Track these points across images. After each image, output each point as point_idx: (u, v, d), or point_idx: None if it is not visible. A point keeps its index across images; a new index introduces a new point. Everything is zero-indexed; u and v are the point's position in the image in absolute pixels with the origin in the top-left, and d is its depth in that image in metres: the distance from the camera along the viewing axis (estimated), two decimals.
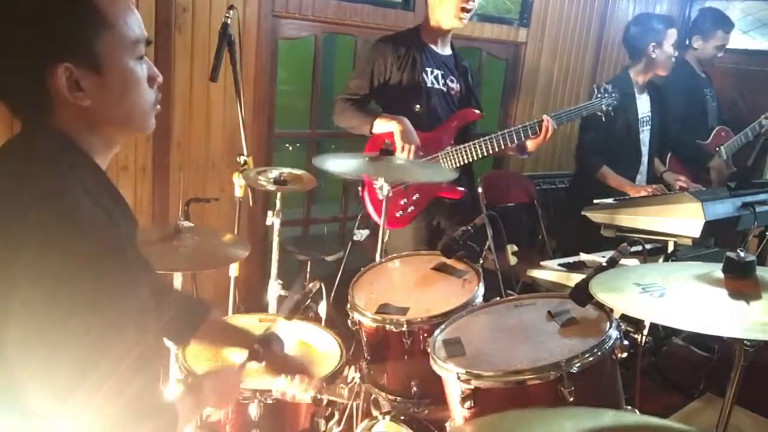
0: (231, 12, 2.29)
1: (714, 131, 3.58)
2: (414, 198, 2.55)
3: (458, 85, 2.64)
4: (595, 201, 2.66)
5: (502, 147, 2.55)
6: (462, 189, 2.60)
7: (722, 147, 3.52)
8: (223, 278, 2.74)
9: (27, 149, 0.97)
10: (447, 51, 2.66)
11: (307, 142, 3.61)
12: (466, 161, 2.55)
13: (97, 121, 0.99)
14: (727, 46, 3.61)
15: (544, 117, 2.53)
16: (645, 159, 3.21)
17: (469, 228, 1.85)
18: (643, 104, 3.17)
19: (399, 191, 2.53)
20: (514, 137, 2.54)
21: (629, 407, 1.44)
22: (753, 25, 4.53)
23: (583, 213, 2.65)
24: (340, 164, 2.02)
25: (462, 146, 2.55)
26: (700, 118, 3.55)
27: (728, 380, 1.33)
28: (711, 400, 2.35)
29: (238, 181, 2.42)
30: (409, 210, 2.55)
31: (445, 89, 2.60)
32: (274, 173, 2.37)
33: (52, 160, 0.94)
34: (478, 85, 2.84)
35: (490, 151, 2.55)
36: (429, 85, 2.55)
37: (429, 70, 2.56)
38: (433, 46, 2.60)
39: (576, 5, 4.23)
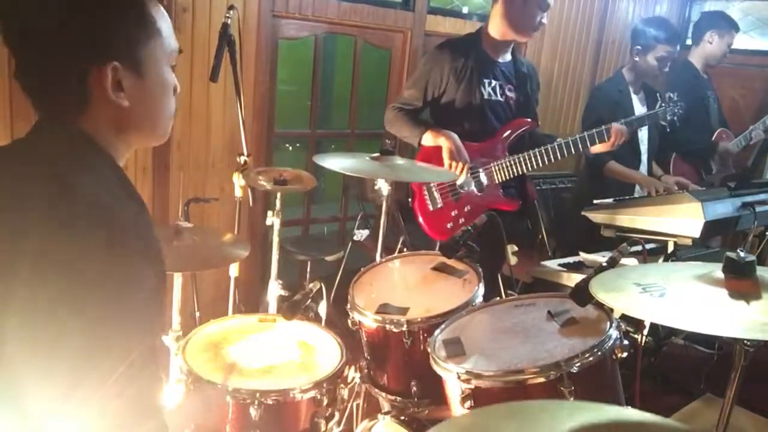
0: (231, 12, 2.29)
1: (716, 133, 3.58)
2: (465, 210, 2.51)
3: (516, 94, 2.56)
4: (595, 201, 2.66)
5: (558, 158, 2.49)
6: (517, 200, 2.57)
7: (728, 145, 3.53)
8: (223, 278, 2.74)
9: (44, 148, 0.96)
10: (507, 58, 2.58)
11: (307, 142, 3.61)
12: (520, 172, 2.50)
13: (129, 124, 1.01)
14: None
15: (613, 125, 2.49)
16: (644, 158, 3.20)
17: (469, 228, 1.84)
18: (639, 103, 3.17)
19: (450, 203, 2.51)
20: (572, 148, 2.50)
21: (629, 407, 1.44)
22: (753, 25, 4.53)
23: (583, 213, 2.65)
24: (340, 163, 2.01)
25: (513, 158, 2.49)
26: (703, 120, 3.54)
27: (728, 380, 1.33)
28: (711, 400, 2.35)
29: (238, 181, 2.42)
30: (460, 221, 2.51)
31: (503, 99, 2.52)
32: (274, 173, 2.37)
33: (74, 159, 0.94)
34: (538, 89, 2.74)
35: (546, 162, 2.48)
36: (486, 97, 2.48)
37: (487, 81, 2.49)
38: (493, 55, 2.53)
39: (576, 5, 4.23)
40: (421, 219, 2.53)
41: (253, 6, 2.91)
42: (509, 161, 2.50)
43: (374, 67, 3.79)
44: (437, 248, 2.00)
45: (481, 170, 2.51)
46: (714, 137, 3.57)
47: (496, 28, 2.49)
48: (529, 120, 2.60)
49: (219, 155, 2.96)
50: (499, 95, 2.52)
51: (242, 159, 2.43)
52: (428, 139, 2.42)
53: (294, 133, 3.92)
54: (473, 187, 2.50)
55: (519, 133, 2.57)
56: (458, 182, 2.46)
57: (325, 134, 3.93)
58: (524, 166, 2.50)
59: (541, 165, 2.50)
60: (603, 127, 2.51)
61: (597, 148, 2.55)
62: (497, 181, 2.52)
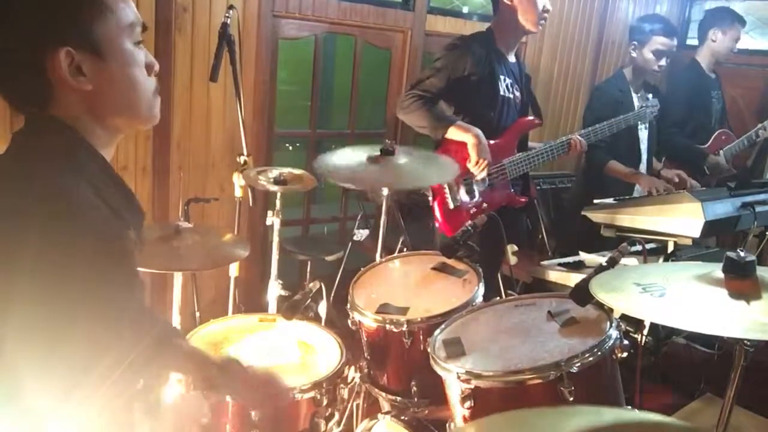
0: (231, 12, 2.29)
1: (715, 134, 3.57)
2: (483, 207, 2.52)
3: (521, 94, 2.61)
4: (595, 201, 2.66)
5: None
6: (525, 196, 2.60)
7: (722, 150, 3.51)
8: (223, 278, 2.74)
9: (29, 145, 0.96)
10: (513, 59, 2.62)
11: (307, 142, 3.61)
12: (526, 170, 2.55)
13: (102, 109, 0.98)
14: None
15: (572, 137, 2.56)
16: (644, 157, 3.20)
17: (469, 228, 1.84)
18: (639, 103, 3.17)
19: (467, 200, 2.52)
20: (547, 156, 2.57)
21: (629, 407, 1.44)
22: (753, 25, 4.53)
23: (583, 213, 2.65)
24: (341, 170, 1.97)
25: (525, 155, 2.53)
26: (703, 120, 3.52)
27: (728, 380, 1.33)
28: (711, 400, 2.35)
29: (238, 181, 2.42)
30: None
31: (512, 97, 2.56)
32: (274, 173, 2.37)
33: (57, 158, 0.93)
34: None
35: (551, 160, 2.56)
36: (501, 93, 2.52)
37: (502, 78, 2.52)
38: (505, 53, 2.57)
39: (576, 5, 4.23)
40: (440, 217, 2.52)
41: (253, 6, 2.91)
42: (519, 159, 2.52)
43: (374, 67, 3.79)
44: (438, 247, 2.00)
45: (495, 167, 2.52)
46: (713, 138, 3.56)
47: (517, 19, 2.49)
48: (537, 119, 2.64)
49: (219, 155, 2.96)
50: (509, 93, 2.55)
51: (242, 159, 2.43)
52: (454, 134, 2.41)
53: (294, 133, 3.93)
54: (488, 185, 2.51)
55: (526, 132, 2.61)
56: (477, 179, 2.47)
57: (325, 134, 3.92)
58: (531, 164, 2.54)
59: (543, 164, 2.56)
60: (564, 138, 2.56)
61: (563, 157, 2.62)
62: (510, 178, 2.54)
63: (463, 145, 2.39)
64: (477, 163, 2.39)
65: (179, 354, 1.29)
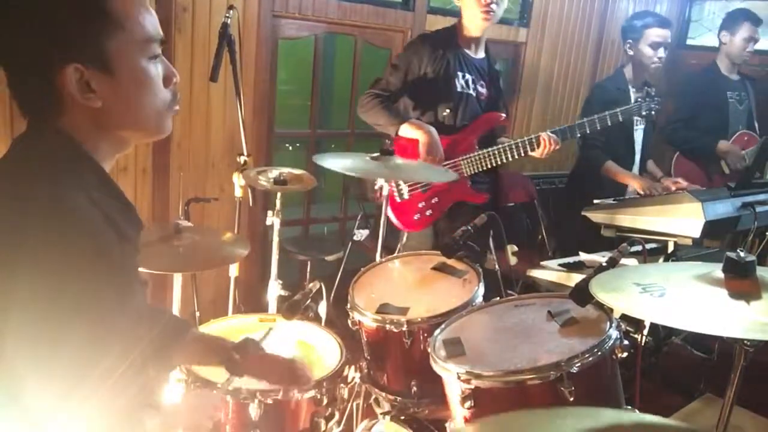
0: (231, 12, 2.29)
1: (736, 135, 3.54)
2: (433, 201, 2.52)
3: (487, 90, 2.61)
4: (595, 201, 2.65)
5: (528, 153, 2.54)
6: (486, 194, 2.59)
7: (744, 152, 3.48)
8: (223, 278, 2.74)
9: (31, 152, 0.96)
10: (480, 54, 2.63)
11: (307, 142, 3.61)
12: (487, 166, 2.53)
13: (109, 123, 0.97)
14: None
15: (542, 135, 2.53)
16: (638, 157, 3.20)
17: (469, 228, 1.84)
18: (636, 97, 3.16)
19: (417, 194, 2.51)
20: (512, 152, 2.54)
21: (629, 407, 1.44)
22: None
23: (583, 213, 2.65)
24: (340, 163, 2.00)
25: (484, 151, 2.52)
26: (714, 121, 3.49)
27: (728, 380, 1.33)
28: (711, 400, 2.35)
29: (238, 181, 2.42)
30: (427, 213, 2.52)
31: (474, 94, 2.56)
32: (274, 173, 2.37)
33: (56, 167, 0.93)
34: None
35: (515, 157, 2.52)
36: (459, 89, 2.52)
37: (461, 74, 2.53)
38: (467, 50, 2.58)
39: (576, 5, 4.23)
40: (389, 210, 2.53)
41: (253, 6, 2.91)
42: (479, 155, 2.51)
43: (374, 67, 3.78)
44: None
45: (449, 163, 2.51)
46: (734, 139, 3.53)
47: (463, 21, 2.55)
48: (502, 115, 2.63)
49: (219, 155, 2.96)
50: (471, 89, 2.55)
51: (242, 159, 2.43)
52: (406, 131, 2.45)
53: (294, 133, 3.92)
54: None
55: (490, 127, 2.60)
56: None
57: (325, 134, 3.92)
58: (493, 161, 2.52)
59: (505, 161, 2.54)
60: (533, 136, 2.54)
61: (533, 155, 2.58)
62: (466, 174, 2.53)
63: (415, 142, 2.41)
64: (425, 160, 2.40)
65: (197, 345, 1.33)
